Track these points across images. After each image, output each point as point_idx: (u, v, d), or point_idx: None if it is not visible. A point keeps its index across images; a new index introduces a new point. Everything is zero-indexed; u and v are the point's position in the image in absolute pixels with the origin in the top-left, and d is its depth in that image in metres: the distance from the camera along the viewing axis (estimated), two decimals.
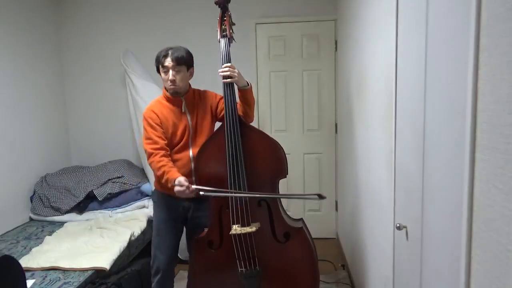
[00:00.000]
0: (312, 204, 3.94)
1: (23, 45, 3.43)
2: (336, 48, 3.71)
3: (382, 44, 1.88)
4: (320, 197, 1.90)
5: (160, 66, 2.14)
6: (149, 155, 2.12)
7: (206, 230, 2.21)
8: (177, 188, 1.97)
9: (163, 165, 2.06)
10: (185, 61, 2.14)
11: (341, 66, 3.44)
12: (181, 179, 1.99)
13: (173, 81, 2.11)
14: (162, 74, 2.15)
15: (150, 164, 2.14)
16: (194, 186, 1.98)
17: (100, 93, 3.98)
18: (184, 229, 2.42)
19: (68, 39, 3.95)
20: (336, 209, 3.90)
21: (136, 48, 3.81)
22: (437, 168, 1.17)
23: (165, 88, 2.22)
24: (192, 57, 2.22)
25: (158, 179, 2.15)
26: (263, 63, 3.81)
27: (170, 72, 2.11)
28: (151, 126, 2.15)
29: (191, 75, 2.25)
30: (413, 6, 1.36)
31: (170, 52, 2.11)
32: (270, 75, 3.83)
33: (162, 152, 2.11)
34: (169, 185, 2.03)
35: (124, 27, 3.88)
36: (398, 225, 1.51)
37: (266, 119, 3.88)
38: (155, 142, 2.12)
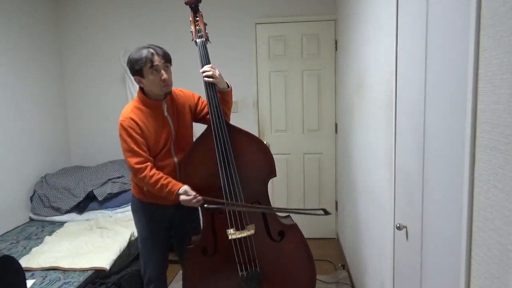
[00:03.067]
0: (312, 203, 3.94)
1: (22, 45, 3.43)
2: (336, 48, 3.71)
3: (382, 44, 1.88)
4: (326, 212, 1.88)
5: (147, 67, 1.91)
6: (136, 171, 1.95)
7: (194, 238, 2.15)
8: (183, 197, 1.92)
9: (158, 179, 1.94)
10: (170, 58, 2.00)
11: (341, 66, 3.44)
12: (187, 187, 1.94)
13: (166, 80, 1.95)
14: (150, 76, 1.93)
15: (140, 180, 1.97)
16: (201, 197, 1.93)
17: (100, 93, 3.99)
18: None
19: (68, 39, 3.95)
20: (336, 209, 3.90)
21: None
22: (437, 168, 1.17)
23: (143, 91, 2.03)
24: None
25: (155, 191, 1.99)
26: (263, 63, 3.81)
27: (161, 70, 1.93)
28: (131, 137, 1.95)
29: None
30: (413, 6, 1.36)
31: (157, 50, 1.93)
32: (270, 75, 3.83)
33: (149, 164, 1.96)
34: (172, 197, 1.94)
35: (124, 27, 3.88)
36: (398, 225, 1.51)
37: (266, 119, 3.88)
38: (139, 155, 1.95)
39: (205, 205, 1.92)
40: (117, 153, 3.95)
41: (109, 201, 3.40)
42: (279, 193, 3.90)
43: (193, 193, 1.92)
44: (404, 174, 1.52)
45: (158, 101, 2.03)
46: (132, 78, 3.49)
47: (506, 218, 0.77)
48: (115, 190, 3.40)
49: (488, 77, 0.83)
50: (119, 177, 3.50)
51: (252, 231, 2.04)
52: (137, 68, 1.93)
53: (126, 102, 3.77)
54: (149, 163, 1.96)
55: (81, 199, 3.35)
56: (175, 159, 2.09)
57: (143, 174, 1.94)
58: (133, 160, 1.94)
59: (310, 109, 3.82)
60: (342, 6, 3.29)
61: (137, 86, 3.48)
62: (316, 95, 3.81)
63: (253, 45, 3.79)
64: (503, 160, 0.78)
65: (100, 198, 3.35)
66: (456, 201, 1.00)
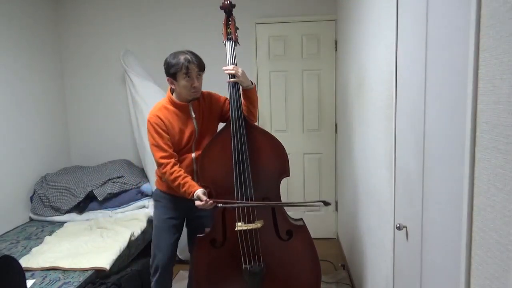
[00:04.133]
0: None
1: (23, 45, 3.43)
2: (336, 48, 3.71)
3: (382, 44, 1.88)
4: (326, 203, 1.96)
5: (181, 72, 2.08)
6: (160, 165, 2.14)
7: (206, 229, 2.22)
8: (197, 203, 2.04)
9: (176, 177, 2.09)
10: (204, 67, 2.16)
11: (341, 66, 3.44)
12: (199, 193, 2.04)
13: (196, 88, 2.12)
14: (183, 81, 2.09)
15: (162, 174, 2.15)
16: (212, 200, 2.03)
17: (100, 93, 3.98)
18: (185, 229, 2.42)
19: (68, 39, 3.95)
20: (336, 209, 3.90)
21: (136, 47, 3.81)
22: (437, 168, 1.17)
23: (172, 94, 2.19)
24: None
25: (173, 187, 2.16)
26: (263, 63, 3.81)
27: (194, 78, 2.10)
28: (158, 133, 2.13)
29: None
30: (413, 6, 1.36)
31: (193, 58, 2.09)
32: (270, 75, 3.83)
33: (172, 161, 2.12)
34: (188, 197, 2.08)
35: (124, 27, 3.88)
36: (398, 225, 1.51)
37: (266, 119, 3.88)
38: (164, 150, 2.12)
39: (219, 205, 2.05)
40: (117, 153, 3.96)
41: (109, 201, 3.40)
42: None
43: (205, 198, 2.03)
44: (404, 174, 1.52)
45: (185, 102, 2.19)
46: (132, 78, 3.52)
47: (506, 218, 0.77)
48: (115, 190, 3.40)
49: (488, 77, 0.83)
50: (119, 177, 3.50)
51: (259, 225, 2.09)
52: (172, 71, 2.09)
53: (126, 103, 3.78)
54: (172, 160, 2.13)
55: (81, 199, 3.35)
56: (193, 154, 2.22)
57: (164, 170, 2.12)
58: (158, 154, 2.13)
59: (310, 109, 3.82)
60: (342, 6, 3.29)
61: (137, 87, 3.52)
62: (316, 95, 3.81)
63: (253, 45, 3.79)
64: (503, 160, 0.78)
65: (100, 198, 3.35)
66: (456, 201, 1.00)
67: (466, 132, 0.91)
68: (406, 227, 1.49)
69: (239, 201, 2.08)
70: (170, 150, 2.14)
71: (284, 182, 3.86)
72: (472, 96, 0.89)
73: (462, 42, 0.95)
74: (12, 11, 3.30)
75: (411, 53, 1.40)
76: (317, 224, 3.89)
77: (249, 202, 2.08)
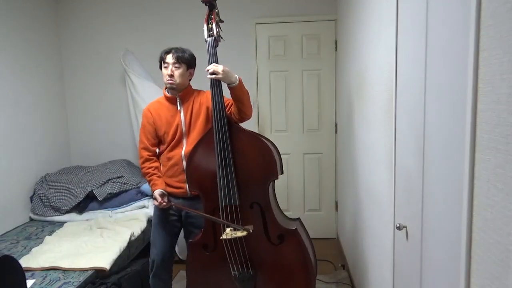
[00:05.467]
0: (312, 203, 3.94)
1: (23, 45, 3.43)
2: (336, 48, 3.71)
3: (382, 44, 1.88)
4: (247, 231, 2.04)
5: (162, 62, 2.21)
6: (139, 156, 2.33)
7: (199, 234, 2.21)
8: (154, 202, 2.23)
9: (144, 173, 2.29)
10: (185, 60, 2.20)
11: (341, 66, 3.44)
12: (156, 194, 2.20)
13: (171, 76, 2.17)
14: (163, 70, 2.22)
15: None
16: (165, 202, 2.19)
17: (100, 93, 3.99)
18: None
19: (68, 39, 3.95)
20: (336, 209, 3.90)
21: (136, 48, 3.81)
22: (437, 168, 1.17)
23: (165, 87, 2.27)
24: (194, 59, 2.28)
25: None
26: (263, 63, 3.81)
27: (170, 67, 2.18)
28: (143, 126, 2.29)
29: (191, 75, 2.28)
30: (413, 6, 1.36)
31: (173, 50, 2.20)
32: (270, 75, 3.83)
33: (145, 156, 2.28)
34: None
35: (124, 27, 3.88)
36: (398, 225, 1.51)
37: (266, 119, 3.88)
38: (142, 142, 2.30)
39: (173, 207, 2.24)
40: (117, 153, 3.96)
41: (109, 201, 3.40)
42: (279, 193, 3.90)
43: (160, 199, 2.18)
44: (404, 174, 1.52)
45: (173, 96, 2.25)
46: (132, 78, 3.53)
47: (506, 218, 0.77)
48: (115, 190, 3.40)
49: (488, 77, 0.83)
50: (119, 177, 3.50)
51: (245, 233, 2.04)
52: (159, 61, 2.26)
53: (126, 103, 3.78)
54: (146, 154, 2.29)
55: (81, 199, 3.35)
56: (183, 152, 2.23)
57: (140, 161, 2.33)
58: (139, 146, 2.33)
59: (310, 109, 3.83)
60: (342, 6, 3.29)
61: (137, 87, 3.53)
62: (316, 95, 3.81)
63: (253, 45, 3.79)
64: (503, 160, 0.78)
65: (100, 198, 3.35)
66: (456, 201, 1.00)
67: (466, 132, 0.91)
68: (406, 227, 1.49)
69: (196, 210, 2.16)
70: (147, 143, 2.27)
71: (284, 182, 3.89)
72: (472, 96, 0.89)
73: (462, 42, 0.95)
74: (13, 12, 3.30)
75: (411, 53, 1.40)
76: (317, 224, 3.89)
77: (198, 212, 2.15)
